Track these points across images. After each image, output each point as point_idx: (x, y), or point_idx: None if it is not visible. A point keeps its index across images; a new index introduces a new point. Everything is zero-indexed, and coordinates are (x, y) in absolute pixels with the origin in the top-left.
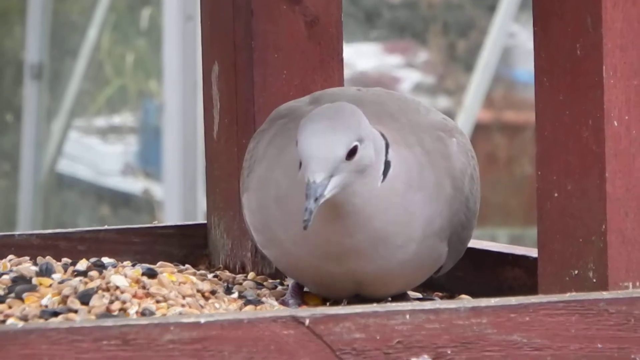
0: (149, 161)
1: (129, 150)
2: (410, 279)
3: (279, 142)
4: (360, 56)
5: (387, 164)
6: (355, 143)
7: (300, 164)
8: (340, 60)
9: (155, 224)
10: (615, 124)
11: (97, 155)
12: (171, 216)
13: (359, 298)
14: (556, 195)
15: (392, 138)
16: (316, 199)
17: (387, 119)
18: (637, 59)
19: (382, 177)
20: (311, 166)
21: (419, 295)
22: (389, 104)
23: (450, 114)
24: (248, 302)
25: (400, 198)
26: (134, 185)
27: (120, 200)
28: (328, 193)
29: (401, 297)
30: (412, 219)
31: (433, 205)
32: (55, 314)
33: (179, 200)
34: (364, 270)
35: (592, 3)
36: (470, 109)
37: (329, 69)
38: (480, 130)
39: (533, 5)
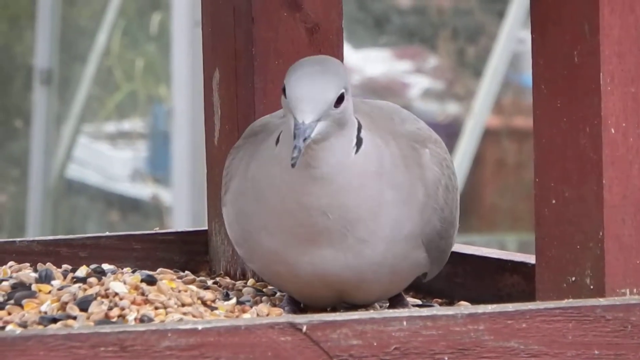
0: (158, 166)
1: (138, 155)
2: (387, 284)
3: (250, 154)
4: (370, 62)
5: (360, 141)
6: (342, 90)
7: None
8: None
9: (157, 230)
10: (613, 131)
11: (107, 161)
12: (179, 221)
13: (343, 305)
14: (554, 202)
15: (366, 125)
16: (305, 139)
17: (370, 125)
18: (634, 66)
19: (355, 149)
20: (301, 107)
21: (419, 301)
22: (368, 114)
23: (460, 119)
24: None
25: (372, 182)
26: (143, 190)
27: (129, 205)
28: (314, 135)
29: (399, 303)
30: (381, 213)
31: (404, 208)
32: (54, 320)
33: (187, 205)
34: (335, 270)
35: (590, 10)
36: (480, 114)
37: None
38: (489, 136)
39: (531, 12)
